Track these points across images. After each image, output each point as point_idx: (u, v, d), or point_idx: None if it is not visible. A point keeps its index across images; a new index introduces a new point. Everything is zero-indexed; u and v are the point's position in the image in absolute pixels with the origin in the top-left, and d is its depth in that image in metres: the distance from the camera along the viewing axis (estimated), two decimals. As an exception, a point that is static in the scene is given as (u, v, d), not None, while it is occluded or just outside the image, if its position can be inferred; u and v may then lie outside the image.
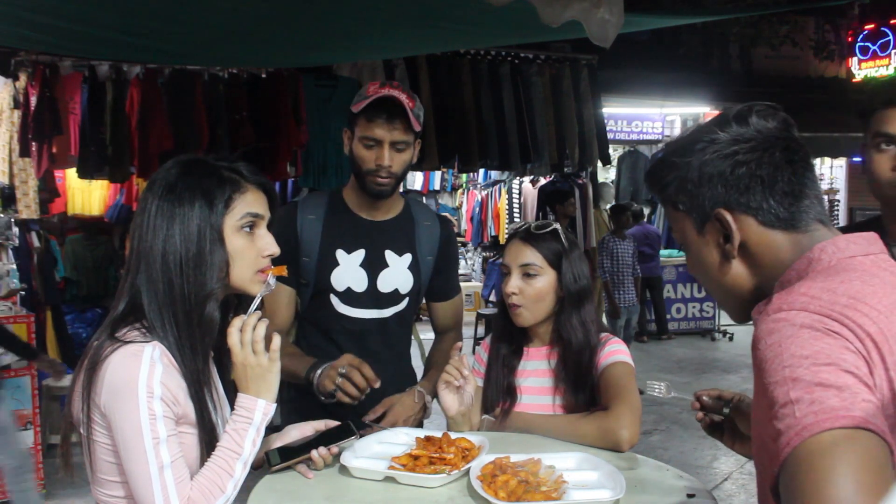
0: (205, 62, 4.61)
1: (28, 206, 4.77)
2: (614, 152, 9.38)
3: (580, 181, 6.89)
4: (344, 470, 1.45)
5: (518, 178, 7.89)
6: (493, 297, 8.26)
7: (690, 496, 1.37)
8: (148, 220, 1.25)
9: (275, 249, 1.32)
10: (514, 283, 1.74)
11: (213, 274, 1.24)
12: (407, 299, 2.03)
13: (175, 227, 1.23)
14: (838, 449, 0.70)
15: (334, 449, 1.47)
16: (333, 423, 1.53)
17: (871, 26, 9.75)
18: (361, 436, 1.56)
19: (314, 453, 1.45)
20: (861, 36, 9.87)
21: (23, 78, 4.51)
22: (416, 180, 10.61)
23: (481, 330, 7.67)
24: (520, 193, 8.16)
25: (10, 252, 5.13)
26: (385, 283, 1.97)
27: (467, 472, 1.40)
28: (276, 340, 1.32)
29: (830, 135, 8.25)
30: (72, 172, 5.25)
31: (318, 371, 1.81)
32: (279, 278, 1.38)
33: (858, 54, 9.94)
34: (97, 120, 4.60)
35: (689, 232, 1.00)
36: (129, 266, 1.27)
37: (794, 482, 0.72)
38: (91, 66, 4.64)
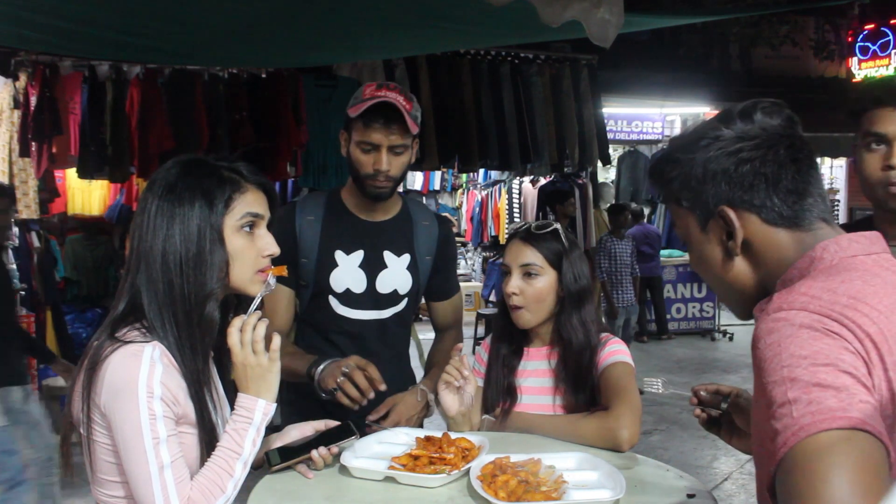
0: (205, 62, 4.61)
1: (28, 206, 4.77)
2: (614, 152, 9.38)
3: (580, 181, 6.89)
4: (344, 470, 1.45)
5: (518, 178, 7.89)
6: (493, 297, 8.26)
7: (690, 496, 1.37)
8: (148, 220, 1.25)
9: (275, 249, 1.32)
10: (515, 284, 1.74)
11: (213, 274, 1.24)
12: (406, 300, 2.02)
13: (175, 226, 1.23)
14: (834, 450, 0.70)
15: (334, 449, 1.47)
16: (333, 423, 1.53)
17: (871, 26, 9.75)
18: (361, 436, 1.56)
19: (314, 453, 1.45)
20: (861, 36, 9.86)
21: (23, 78, 4.51)
22: (416, 180, 10.62)
23: (481, 330, 7.67)
24: (520, 193, 8.16)
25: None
26: (384, 283, 1.97)
27: (467, 472, 1.40)
28: (276, 340, 1.32)
29: (830, 135, 8.24)
30: (72, 172, 5.25)
31: (321, 367, 1.80)
32: (278, 279, 1.37)
33: (858, 54, 9.94)
34: (97, 120, 4.60)
35: (692, 229, 1.00)
36: (128, 266, 1.27)
37: (790, 482, 0.72)
38: (91, 66, 4.64)
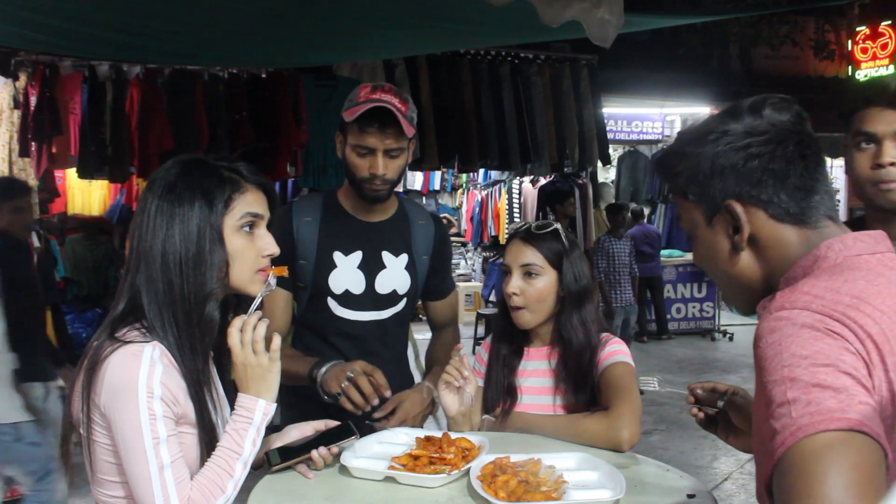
0: (205, 62, 4.61)
1: (28, 206, 4.76)
2: (614, 152, 9.38)
3: (580, 181, 6.89)
4: (344, 470, 1.45)
5: (518, 178, 7.89)
6: (493, 297, 8.26)
7: (690, 496, 1.37)
8: (148, 220, 1.24)
9: (274, 249, 1.32)
10: (515, 284, 1.74)
11: (213, 274, 1.24)
12: (405, 300, 2.02)
13: (175, 226, 1.23)
14: (832, 451, 0.71)
15: (334, 449, 1.47)
16: (333, 423, 1.53)
17: (871, 26, 9.75)
18: (361, 436, 1.56)
19: (314, 453, 1.45)
20: (861, 36, 9.87)
21: (23, 78, 4.51)
22: (416, 180, 10.62)
23: (481, 330, 7.67)
24: (520, 193, 8.16)
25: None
26: (383, 284, 1.97)
27: (467, 472, 1.40)
28: (277, 340, 1.32)
29: (830, 135, 8.24)
30: (72, 172, 5.25)
31: (323, 369, 1.78)
32: (277, 280, 1.37)
33: (858, 54, 9.94)
34: (97, 120, 4.61)
35: (698, 222, 1.00)
36: (128, 266, 1.26)
37: (787, 482, 0.72)
38: (91, 66, 4.64)
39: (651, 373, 6.81)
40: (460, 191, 11.66)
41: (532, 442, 1.61)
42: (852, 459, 0.70)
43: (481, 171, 7.95)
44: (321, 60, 4.83)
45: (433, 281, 2.09)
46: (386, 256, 1.98)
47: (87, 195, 6.04)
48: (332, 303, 1.94)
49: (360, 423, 1.63)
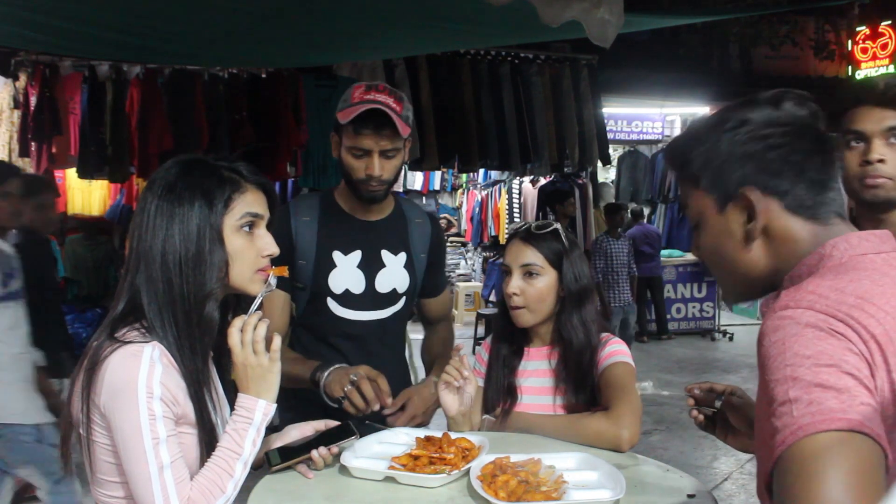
0: (205, 62, 4.61)
1: (28, 206, 4.76)
2: (614, 152, 9.38)
3: (580, 181, 6.90)
4: (344, 470, 1.45)
5: (518, 178, 7.89)
6: (493, 297, 8.26)
7: (690, 496, 1.37)
8: (147, 220, 1.24)
9: (274, 249, 1.32)
10: (516, 284, 1.74)
11: (213, 274, 1.24)
12: (404, 298, 2.02)
13: (174, 226, 1.23)
14: (832, 451, 0.71)
15: (334, 449, 1.47)
16: (333, 423, 1.53)
17: (871, 26, 9.75)
18: (361, 436, 1.56)
19: (314, 453, 1.45)
20: (861, 36, 9.87)
21: (23, 78, 4.51)
22: (416, 180, 10.62)
23: (481, 330, 7.67)
24: (520, 193, 8.17)
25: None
26: (383, 283, 1.96)
27: (467, 472, 1.40)
28: (277, 341, 1.32)
29: (830, 135, 8.27)
30: (72, 172, 5.25)
31: (326, 372, 1.77)
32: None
33: (858, 54, 9.94)
34: (97, 120, 4.61)
35: (707, 210, 0.99)
36: (128, 266, 1.26)
37: (786, 481, 0.73)
38: (91, 66, 4.65)
39: (651, 373, 6.81)
40: (460, 191, 11.66)
41: (532, 442, 1.61)
42: (852, 460, 0.70)
43: (481, 171, 7.95)
44: (321, 60, 4.83)
45: (429, 279, 2.09)
46: (385, 255, 1.97)
47: (87, 195, 6.04)
48: (332, 303, 1.94)
49: (360, 423, 1.63)
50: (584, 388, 1.71)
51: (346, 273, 1.93)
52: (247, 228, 1.29)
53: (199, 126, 4.63)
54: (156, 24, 3.11)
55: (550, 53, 5.67)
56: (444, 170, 9.39)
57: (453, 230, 11.09)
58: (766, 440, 0.77)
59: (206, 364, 1.29)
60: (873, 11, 9.46)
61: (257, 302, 1.32)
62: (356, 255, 1.94)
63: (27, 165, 4.64)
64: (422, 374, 2.15)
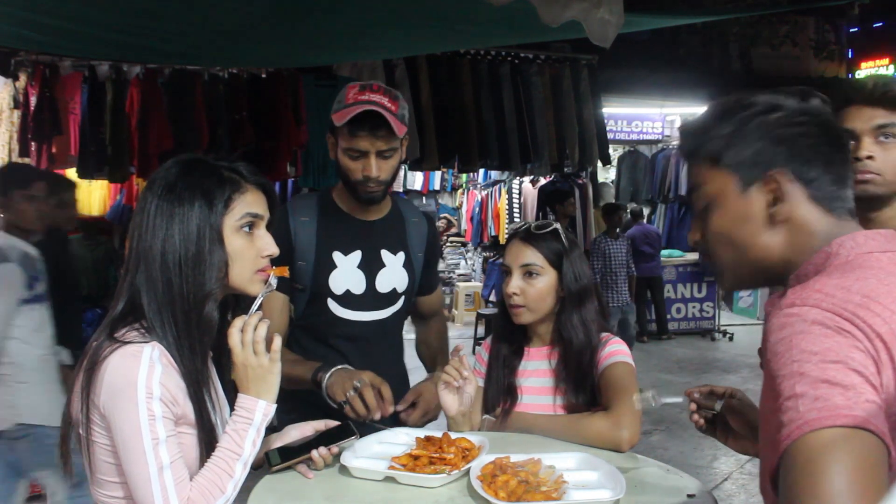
0: (205, 62, 4.61)
1: (28, 206, 4.76)
2: (614, 152, 9.38)
3: (580, 181, 6.89)
4: (344, 470, 1.45)
5: (518, 178, 7.89)
6: (493, 297, 8.26)
7: (690, 496, 1.37)
8: (147, 220, 1.24)
9: (274, 250, 1.32)
10: (516, 284, 1.74)
11: (212, 274, 1.24)
12: (403, 298, 2.01)
13: (174, 226, 1.23)
14: (836, 447, 0.72)
15: (334, 449, 1.47)
16: (333, 423, 1.53)
17: (872, 26, 9.75)
18: (361, 436, 1.56)
19: (314, 453, 1.45)
20: (861, 36, 9.87)
21: (23, 78, 4.51)
22: (416, 180, 10.62)
23: (481, 330, 7.67)
24: (520, 193, 8.16)
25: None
26: (383, 283, 1.96)
27: (467, 472, 1.40)
28: (277, 341, 1.32)
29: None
30: (72, 172, 5.24)
31: (328, 373, 1.76)
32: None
33: (859, 54, 9.94)
34: (97, 120, 4.60)
35: (727, 190, 0.98)
36: (127, 266, 1.26)
37: (791, 475, 0.74)
38: (91, 66, 4.64)
39: (651, 373, 6.81)
40: (460, 191, 11.66)
41: (532, 442, 1.61)
42: (856, 456, 0.71)
43: (481, 171, 7.95)
44: (321, 60, 4.83)
45: (425, 277, 2.09)
46: (385, 255, 1.97)
47: (87, 195, 6.03)
48: (332, 304, 1.93)
49: (360, 423, 1.63)
50: (584, 388, 1.71)
51: (346, 273, 1.92)
52: (247, 229, 1.29)
53: (199, 126, 4.62)
54: (156, 24, 3.10)
55: (550, 53, 5.67)
56: (444, 170, 9.39)
57: (453, 230, 11.09)
58: (772, 434, 0.78)
59: (205, 364, 1.29)
60: (873, 11, 9.46)
61: (258, 302, 1.32)
62: (356, 256, 1.94)
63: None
64: (414, 374, 2.14)
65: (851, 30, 9.97)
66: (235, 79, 4.83)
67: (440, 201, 11.66)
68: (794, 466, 0.74)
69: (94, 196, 6.07)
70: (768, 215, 0.95)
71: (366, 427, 1.68)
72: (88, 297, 6.33)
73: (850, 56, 10.33)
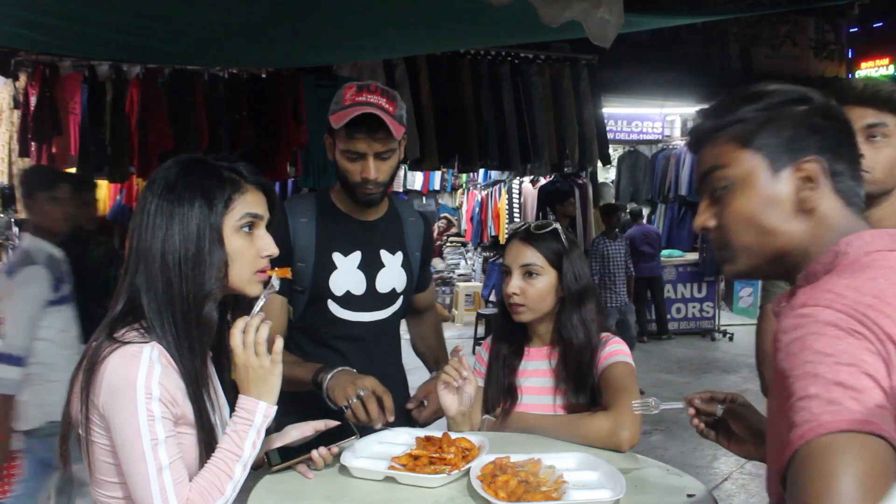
0: (205, 62, 4.61)
1: (28, 206, 4.76)
2: (614, 152, 9.38)
3: (580, 181, 6.89)
4: (344, 470, 1.45)
5: (518, 178, 7.89)
6: (493, 297, 8.26)
7: (690, 496, 1.37)
8: (147, 220, 1.24)
9: (274, 250, 1.32)
10: (516, 284, 1.74)
11: (212, 274, 1.24)
12: (402, 297, 2.01)
13: (174, 226, 1.23)
14: (848, 450, 0.72)
15: (334, 449, 1.47)
16: (333, 424, 1.53)
17: (872, 26, 9.75)
18: (361, 436, 1.56)
19: (314, 453, 1.45)
20: (861, 36, 9.87)
21: (23, 78, 4.51)
22: (416, 180, 10.63)
23: (481, 330, 7.67)
24: (520, 193, 8.17)
25: (11, 252, 5.13)
26: (383, 283, 1.96)
27: (467, 472, 1.40)
28: (279, 343, 1.32)
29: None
30: (71, 172, 5.25)
31: (330, 375, 1.75)
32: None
33: (859, 54, 9.94)
34: (97, 120, 4.60)
35: (756, 171, 0.96)
36: (127, 265, 1.26)
37: (802, 476, 0.74)
38: (91, 66, 4.64)
39: (651, 373, 6.81)
40: (460, 191, 11.66)
41: (532, 442, 1.61)
42: (868, 461, 0.72)
43: (481, 171, 7.95)
44: (321, 60, 4.83)
45: (420, 276, 2.10)
46: (384, 255, 1.97)
47: (86, 195, 6.03)
48: (332, 305, 1.92)
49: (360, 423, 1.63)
50: (584, 387, 1.71)
51: (346, 274, 1.92)
52: (246, 229, 1.29)
53: (199, 126, 4.62)
54: (156, 24, 3.10)
55: (550, 53, 5.67)
56: (444, 170, 9.39)
57: (453, 230, 11.09)
58: (782, 434, 0.78)
59: (205, 364, 1.29)
60: (873, 11, 9.46)
61: (260, 303, 1.32)
62: (356, 256, 1.93)
63: (27, 165, 4.64)
64: (414, 374, 2.14)
65: (851, 30, 9.98)
66: (235, 79, 4.83)
67: (440, 201, 11.66)
68: (806, 468, 0.74)
69: (93, 196, 6.07)
70: (797, 201, 0.95)
71: (366, 427, 1.68)
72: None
73: (850, 56, 10.34)
